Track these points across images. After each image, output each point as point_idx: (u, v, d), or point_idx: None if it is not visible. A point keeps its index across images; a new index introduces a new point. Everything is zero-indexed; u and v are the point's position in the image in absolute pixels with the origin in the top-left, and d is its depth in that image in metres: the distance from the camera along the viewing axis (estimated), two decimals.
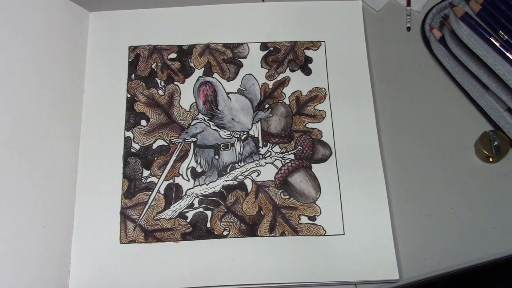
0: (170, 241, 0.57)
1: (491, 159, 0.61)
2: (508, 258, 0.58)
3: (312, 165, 0.61)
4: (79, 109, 0.63)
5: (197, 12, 0.68)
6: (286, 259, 0.56)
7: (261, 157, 0.61)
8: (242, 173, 0.60)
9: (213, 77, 0.65)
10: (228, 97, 0.64)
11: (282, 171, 0.60)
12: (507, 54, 0.57)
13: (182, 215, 0.59)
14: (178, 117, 0.63)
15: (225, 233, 0.58)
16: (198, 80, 0.65)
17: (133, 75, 0.65)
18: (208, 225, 0.58)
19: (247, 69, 0.65)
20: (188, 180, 0.60)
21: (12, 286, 0.50)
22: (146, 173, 0.60)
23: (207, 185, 0.60)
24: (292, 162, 0.61)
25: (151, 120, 0.63)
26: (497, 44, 0.58)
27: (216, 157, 0.61)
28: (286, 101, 0.64)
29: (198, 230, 0.58)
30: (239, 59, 0.66)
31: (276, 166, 0.61)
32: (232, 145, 0.62)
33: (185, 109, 0.63)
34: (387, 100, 0.65)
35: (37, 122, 0.57)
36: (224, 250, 0.57)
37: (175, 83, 0.65)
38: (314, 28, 0.67)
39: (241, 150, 0.61)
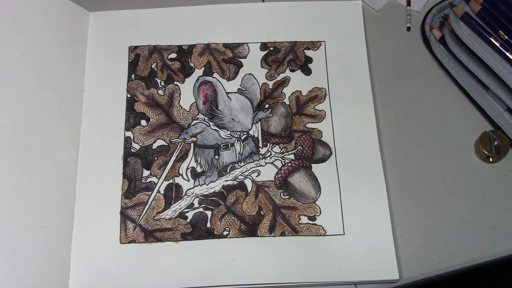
0: (170, 241, 0.57)
1: (491, 159, 0.61)
2: (508, 258, 0.58)
3: (312, 165, 0.61)
4: (79, 109, 0.63)
5: (197, 12, 0.68)
6: (286, 259, 0.56)
7: (261, 157, 0.61)
8: (242, 173, 0.60)
9: (213, 77, 0.65)
10: (228, 97, 0.64)
11: (282, 171, 0.60)
12: (507, 54, 0.57)
13: (182, 215, 0.59)
14: (178, 117, 0.63)
15: (225, 233, 0.58)
16: (198, 80, 0.65)
17: (133, 75, 0.65)
18: (208, 225, 0.58)
19: (247, 69, 0.65)
20: (188, 180, 0.60)
21: (12, 286, 0.50)
22: (146, 173, 0.60)
23: (207, 185, 0.60)
24: (292, 162, 0.61)
25: (151, 120, 0.63)
26: (497, 44, 0.58)
27: (216, 157, 0.61)
28: (286, 101, 0.64)
29: (198, 230, 0.58)
30: (239, 59, 0.66)
31: (276, 166, 0.61)
32: (232, 145, 0.62)
33: (185, 109, 0.63)
34: (387, 100, 0.65)
35: (37, 122, 0.57)
36: (224, 250, 0.57)
37: (175, 83, 0.65)
38: (314, 28, 0.67)
39: (241, 150, 0.61)
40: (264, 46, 0.67)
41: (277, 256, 0.56)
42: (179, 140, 0.62)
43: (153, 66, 0.65)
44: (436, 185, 0.60)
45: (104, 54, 0.66)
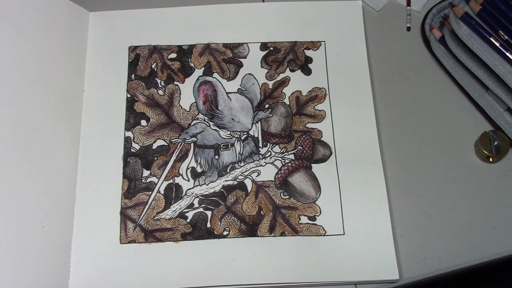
0: (170, 241, 0.57)
1: (491, 159, 0.61)
2: (508, 258, 0.58)
3: (312, 165, 0.61)
4: (79, 109, 0.63)
5: (197, 12, 0.68)
6: (286, 259, 0.56)
7: (261, 157, 0.61)
8: (242, 173, 0.60)
9: (213, 77, 0.65)
10: (228, 97, 0.64)
11: (282, 171, 0.60)
12: (507, 54, 0.57)
13: (182, 215, 0.59)
14: (178, 117, 0.63)
15: (225, 233, 0.58)
16: (198, 79, 0.65)
17: (133, 75, 0.65)
18: (208, 225, 0.58)
19: (247, 69, 0.65)
20: (188, 180, 0.60)
21: (12, 286, 0.50)
22: (146, 173, 0.60)
23: (207, 185, 0.60)
24: (292, 162, 0.61)
25: (151, 120, 0.63)
26: (497, 44, 0.58)
27: (216, 157, 0.61)
28: (286, 101, 0.64)
29: (198, 230, 0.58)
30: (239, 59, 0.66)
31: (276, 166, 0.61)
32: (232, 145, 0.62)
33: (185, 109, 0.63)
34: (387, 100, 0.65)
35: (37, 122, 0.57)
36: (224, 250, 0.57)
37: (175, 83, 0.65)
38: (314, 28, 0.67)
39: (241, 150, 0.61)
40: (264, 46, 0.67)
41: (277, 256, 0.56)
42: (179, 140, 0.62)
43: (153, 66, 0.65)
44: (436, 185, 0.60)
45: (104, 54, 0.66)
